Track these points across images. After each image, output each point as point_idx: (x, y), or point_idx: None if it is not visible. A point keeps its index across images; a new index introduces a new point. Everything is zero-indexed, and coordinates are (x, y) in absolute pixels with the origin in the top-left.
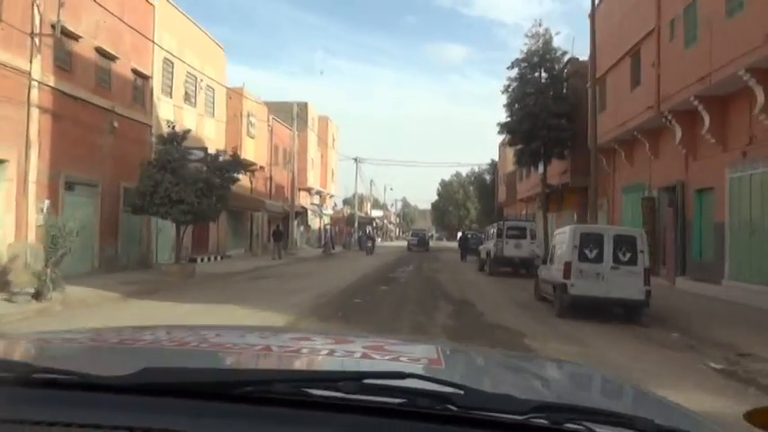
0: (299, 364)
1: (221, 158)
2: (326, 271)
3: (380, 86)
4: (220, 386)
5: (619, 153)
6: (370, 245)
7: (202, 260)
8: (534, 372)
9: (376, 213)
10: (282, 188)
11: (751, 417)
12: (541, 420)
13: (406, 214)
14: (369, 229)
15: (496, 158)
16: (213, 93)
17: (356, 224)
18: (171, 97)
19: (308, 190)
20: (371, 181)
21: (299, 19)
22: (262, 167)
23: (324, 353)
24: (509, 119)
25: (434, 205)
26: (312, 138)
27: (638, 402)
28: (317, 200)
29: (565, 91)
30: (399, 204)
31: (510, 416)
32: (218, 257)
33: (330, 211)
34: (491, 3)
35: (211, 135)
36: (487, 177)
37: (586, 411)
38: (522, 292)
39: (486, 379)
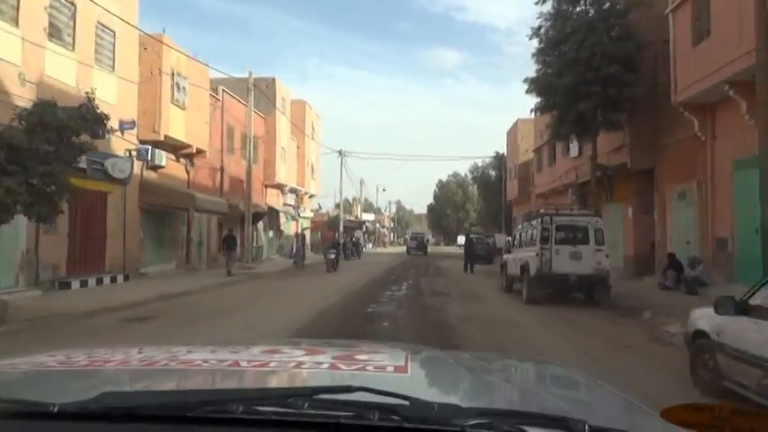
0: (257, 381)
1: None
2: (272, 300)
3: (375, 92)
4: (178, 408)
5: (728, 106)
6: (333, 257)
7: (85, 284)
8: (498, 375)
9: (367, 217)
10: (244, 183)
11: (667, 414)
12: (481, 429)
13: (401, 218)
14: (357, 234)
15: (502, 152)
16: (114, 38)
17: (341, 228)
18: (17, 26)
19: (280, 187)
20: (362, 181)
21: (294, 26)
22: (200, 152)
23: (291, 365)
24: (541, 71)
25: (431, 208)
26: (283, 123)
27: (593, 402)
28: (291, 200)
29: (624, 30)
30: (393, 207)
31: (451, 427)
32: (122, 278)
33: (309, 214)
34: (483, 8)
35: (111, 99)
36: (492, 173)
37: (525, 415)
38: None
39: (445, 386)
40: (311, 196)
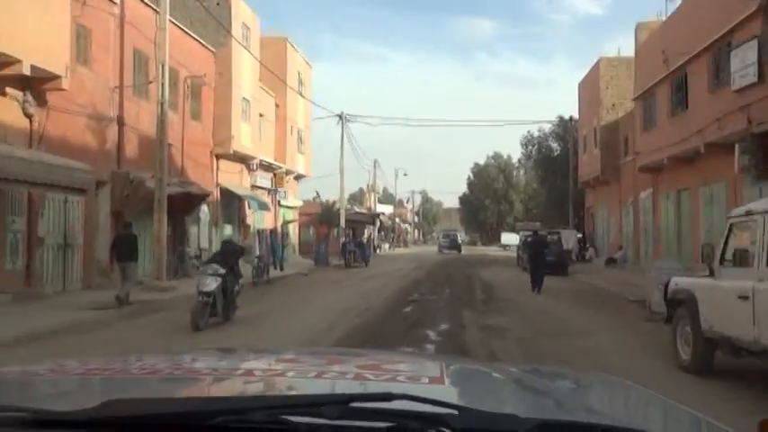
0: (279, 389)
1: None
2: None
3: (396, 69)
4: (189, 417)
5: None
6: (256, 268)
7: None
8: (546, 386)
9: (384, 209)
10: (176, 151)
11: (763, 427)
12: None
13: (427, 212)
14: (369, 231)
15: (567, 117)
16: None
17: (341, 224)
18: None
19: (244, 161)
20: (375, 163)
21: None
22: (53, 79)
23: (311, 375)
24: None
25: (464, 200)
26: (246, 63)
27: (652, 414)
28: (264, 180)
29: None
30: (418, 198)
31: None
32: None
33: (296, 202)
34: None
35: None
36: (554, 145)
37: (587, 428)
38: None
39: (491, 397)
40: (298, 177)
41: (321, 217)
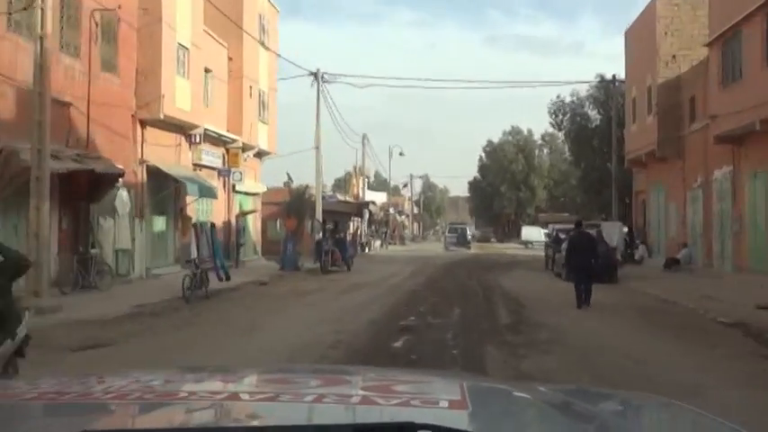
0: (272, 417)
1: None
2: None
3: (394, 30)
4: None
5: None
6: (190, 278)
7: None
8: (588, 410)
9: (375, 197)
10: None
11: None
12: None
13: (429, 201)
14: (356, 225)
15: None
16: None
17: (318, 215)
18: None
19: (182, 130)
20: (365, 138)
21: None
22: None
23: (308, 399)
24: None
25: (474, 186)
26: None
27: None
28: (213, 158)
29: None
30: (418, 184)
31: None
32: None
33: (259, 187)
34: None
35: None
36: (591, 113)
37: None
38: None
39: (525, 424)
40: (261, 155)
41: (289, 206)
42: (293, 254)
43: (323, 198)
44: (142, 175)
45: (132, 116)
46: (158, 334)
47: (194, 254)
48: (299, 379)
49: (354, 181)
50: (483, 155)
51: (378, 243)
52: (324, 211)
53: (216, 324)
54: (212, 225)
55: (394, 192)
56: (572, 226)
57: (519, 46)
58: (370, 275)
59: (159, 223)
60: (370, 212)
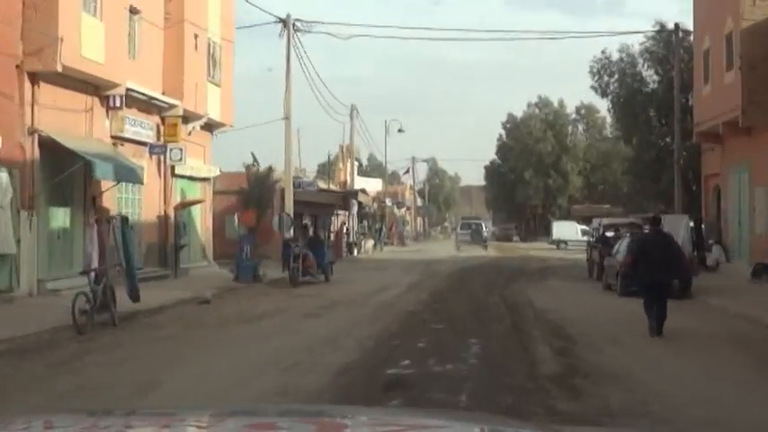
0: None
1: None
2: None
3: None
4: None
5: None
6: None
7: None
8: None
9: (368, 185)
10: None
11: None
12: None
13: (436, 190)
14: (342, 222)
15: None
16: None
17: (288, 207)
18: None
19: (97, 91)
20: (353, 110)
21: None
22: None
23: None
24: None
25: (492, 171)
26: None
27: None
28: (143, 129)
29: None
30: (422, 170)
31: None
32: None
33: (209, 170)
34: None
35: None
36: (647, 74)
37: None
38: None
39: None
40: (211, 127)
41: (247, 195)
42: (252, 259)
43: (297, 185)
44: (33, 150)
45: (17, 67)
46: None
47: (93, 262)
48: (286, 425)
49: (341, 164)
50: (503, 133)
51: (370, 243)
52: (297, 203)
53: (98, 374)
54: (125, 219)
55: (392, 179)
56: (623, 221)
57: (547, 3)
58: (354, 288)
59: (59, 218)
60: (360, 204)
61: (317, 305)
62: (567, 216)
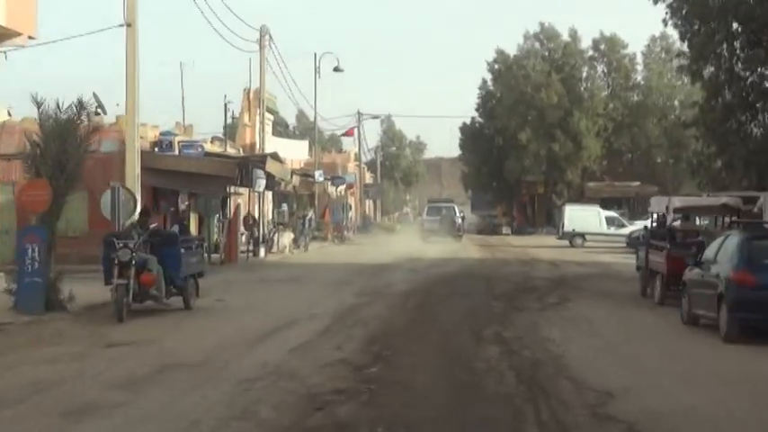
0: None
1: None
2: None
3: None
4: None
5: None
6: None
7: None
8: None
9: (290, 151)
10: None
11: None
12: None
13: (392, 161)
14: (248, 210)
15: None
16: None
17: (132, 179)
18: None
19: None
20: (264, 31)
21: None
22: None
23: None
24: None
25: (471, 133)
26: None
27: None
28: None
29: None
30: (375, 134)
31: None
32: None
33: None
34: None
35: None
36: None
37: None
38: None
39: None
40: None
41: (37, 156)
42: (42, 271)
43: (159, 144)
44: None
45: None
46: None
47: None
48: None
49: (247, 117)
50: (488, 79)
51: (288, 238)
52: (164, 173)
53: None
54: None
55: (330, 145)
56: (709, 203)
57: None
58: (227, 326)
59: None
60: (271, 177)
61: (121, 377)
62: (579, 198)
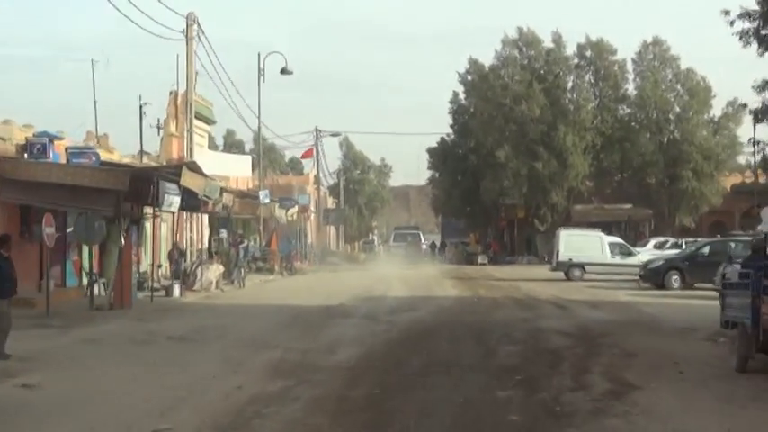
0: None
1: None
2: None
3: None
4: None
5: None
6: None
7: None
8: None
9: (228, 167)
10: None
11: None
12: None
13: (356, 186)
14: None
15: None
16: None
17: None
18: None
19: None
20: (190, 20)
21: None
22: None
23: None
24: None
25: (441, 152)
26: None
27: None
28: None
29: None
30: (334, 154)
31: None
32: None
33: None
34: None
35: None
36: None
37: None
38: None
39: None
40: None
41: None
42: None
43: (29, 148)
44: None
45: None
46: None
47: None
48: None
49: (173, 126)
50: (460, 91)
51: (215, 272)
52: (17, 185)
53: None
54: None
55: (289, 169)
56: None
57: None
58: None
59: None
60: (191, 196)
61: None
62: (564, 222)
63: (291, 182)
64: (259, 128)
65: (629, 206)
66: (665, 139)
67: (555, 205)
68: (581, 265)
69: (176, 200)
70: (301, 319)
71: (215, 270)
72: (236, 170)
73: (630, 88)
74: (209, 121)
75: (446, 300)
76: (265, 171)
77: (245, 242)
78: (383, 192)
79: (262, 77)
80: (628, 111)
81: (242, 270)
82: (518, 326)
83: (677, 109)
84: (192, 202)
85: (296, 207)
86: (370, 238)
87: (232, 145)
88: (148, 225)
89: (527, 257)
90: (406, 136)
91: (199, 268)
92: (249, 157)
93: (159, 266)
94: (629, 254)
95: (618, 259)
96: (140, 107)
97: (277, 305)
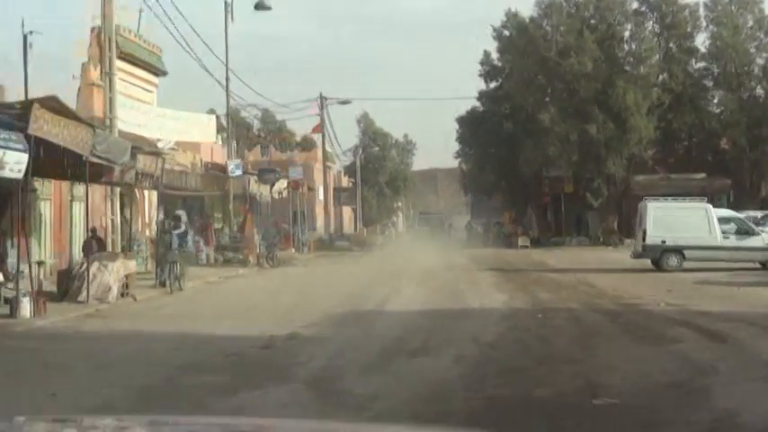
0: None
1: None
2: None
3: None
4: None
5: None
6: None
7: None
8: None
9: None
10: None
11: None
12: None
13: (375, 162)
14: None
15: None
16: None
17: None
18: None
19: None
20: None
21: None
22: None
23: None
24: None
25: (471, 122)
26: None
27: None
28: None
29: None
30: (352, 133)
31: None
32: None
33: None
34: None
35: None
36: None
37: None
38: None
39: None
40: None
41: None
42: None
43: None
44: None
45: None
46: None
47: None
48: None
49: (96, 73)
50: (492, 51)
51: (116, 274)
52: None
53: None
54: None
55: (301, 146)
56: None
57: None
58: None
59: None
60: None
61: None
62: (622, 196)
63: (296, 159)
64: (227, 80)
65: (702, 175)
66: (746, 97)
67: (612, 176)
68: (679, 250)
69: (24, 157)
70: (152, 399)
71: (118, 269)
72: (198, 135)
73: (703, 38)
74: (156, 71)
75: (489, 319)
76: (267, 149)
77: (182, 227)
78: (406, 170)
79: (231, 17)
80: (701, 64)
81: (176, 266)
82: (672, 403)
83: (760, 61)
84: (79, 168)
85: (284, 182)
86: (393, 219)
87: (240, 125)
88: (45, 204)
89: (576, 238)
90: (433, 114)
91: (92, 268)
92: (212, 117)
93: (40, 264)
94: (748, 233)
95: (733, 241)
96: (24, 38)
97: (178, 336)
